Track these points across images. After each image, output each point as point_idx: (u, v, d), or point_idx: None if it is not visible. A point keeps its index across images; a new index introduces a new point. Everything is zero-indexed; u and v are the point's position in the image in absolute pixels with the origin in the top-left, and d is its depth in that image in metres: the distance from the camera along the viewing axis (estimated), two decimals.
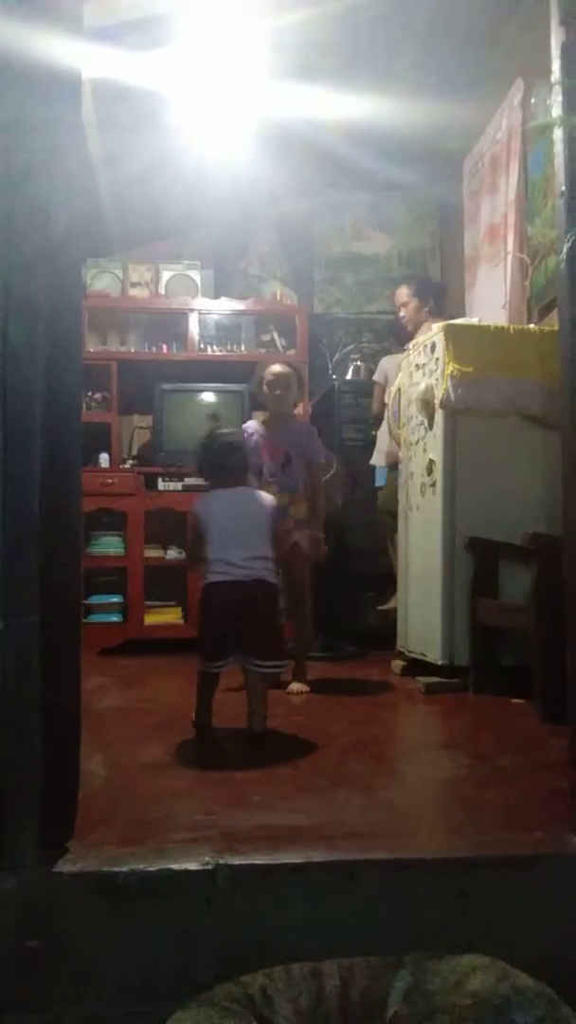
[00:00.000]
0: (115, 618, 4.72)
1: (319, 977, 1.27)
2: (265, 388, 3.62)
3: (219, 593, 2.56)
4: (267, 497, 2.79)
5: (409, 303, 4.48)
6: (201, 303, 5.14)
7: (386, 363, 4.75)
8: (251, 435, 3.61)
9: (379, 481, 4.60)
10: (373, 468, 4.67)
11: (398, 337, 4.81)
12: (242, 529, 2.62)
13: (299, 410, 5.11)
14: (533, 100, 3.79)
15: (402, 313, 4.54)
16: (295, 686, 3.42)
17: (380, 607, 4.43)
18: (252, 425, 3.70)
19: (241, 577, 2.55)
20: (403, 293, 4.54)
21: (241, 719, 2.54)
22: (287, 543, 3.32)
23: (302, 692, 3.41)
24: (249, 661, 2.55)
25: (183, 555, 4.81)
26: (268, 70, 3.78)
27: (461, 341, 3.40)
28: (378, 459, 4.62)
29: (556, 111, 1.73)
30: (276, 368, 3.63)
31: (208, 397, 5.08)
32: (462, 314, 4.48)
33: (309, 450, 3.58)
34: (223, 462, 2.73)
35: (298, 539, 3.41)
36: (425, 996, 1.20)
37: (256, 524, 2.66)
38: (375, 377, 4.80)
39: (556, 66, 1.74)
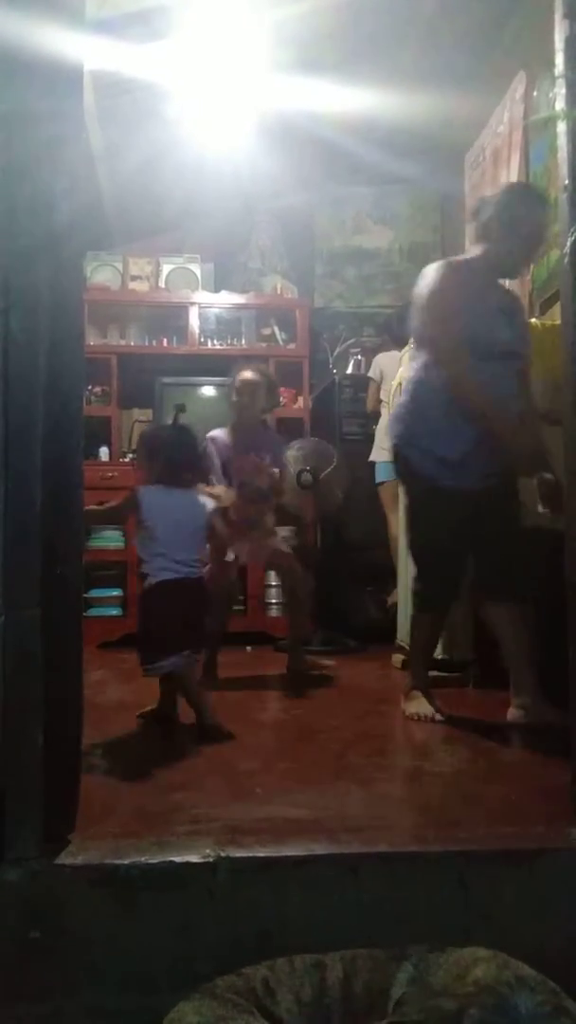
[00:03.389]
0: (115, 612, 4.73)
1: (322, 969, 1.27)
2: (233, 395, 3.60)
3: (169, 591, 2.54)
4: (208, 501, 2.73)
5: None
6: (201, 297, 5.13)
7: (381, 360, 4.75)
8: (219, 444, 3.56)
9: (379, 476, 4.59)
10: (373, 463, 4.67)
11: (393, 336, 4.78)
12: (187, 532, 2.60)
13: (299, 404, 5.17)
14: (535, 93, 3.77)
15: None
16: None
17: (388, 600, 4.42)
18: (218, 433, 3.61)
19: (186, 575, 2.55)
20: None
21: (241, 713, 2.54)
22: (266, 552, 3.44)
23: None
24: (191, 657, 2.56)
25: None
26: (270, 63, 3.77)
27: None
28: (377, 455, 4.62)
29: (560, 104, 1.73)
30: (243, 375, 3.59)
31: (208, 391, 5.07)
32: None
33: (275, 458, 3.59)
34: (181, 460, 2.61)
35: (278, 546, 3.49)
36: (428, 987, 1.21)
37: (197, 528, 2.64)
38: (370, 374, 4.79)
39: (560, 59, 1.74)
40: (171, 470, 2.58)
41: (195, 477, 2.69)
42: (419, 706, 2.70)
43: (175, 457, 2.60)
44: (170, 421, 2.78)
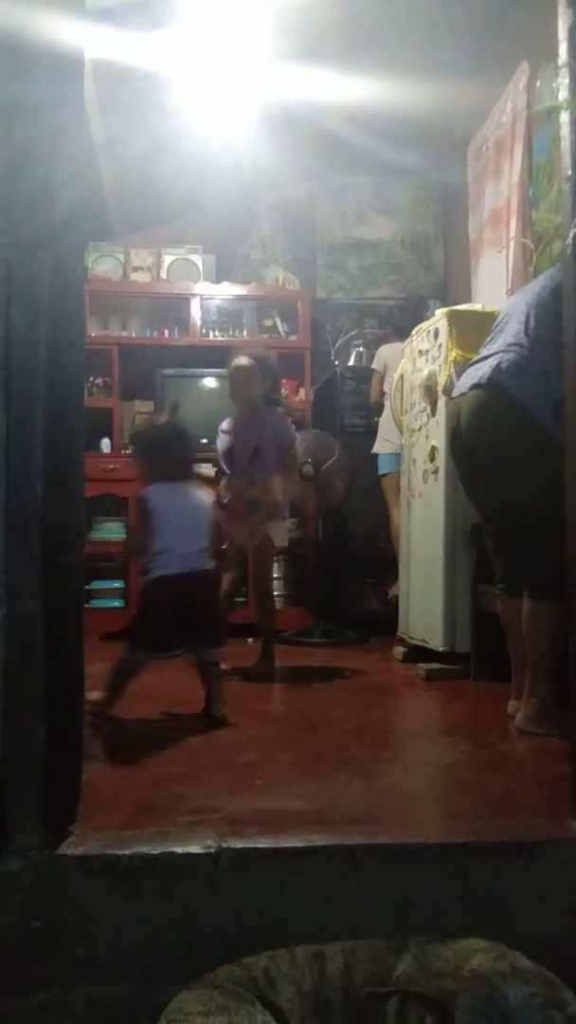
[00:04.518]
0: (117, 603, 4.74)
1: (322, 960, 1.28)
2: (229, 382, 3.64)
3: (170, 586, 2.55)
4: (206, 494, 2.80)
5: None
6: (203, 288, 5.12)
7: (384, 351, 4.74)
8: (226, 432, 3.64)
9: (381, 469, 4.59)
10: (375, 455, 4.66)
11: (397, 327, 4.77)
12: (190, 523, 2.63)
13: (301, 396, 5.15)
14: (539, 83, 3.75)
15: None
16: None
17: (390, 593, 4.42)
18: (226, 423, 3.69)
19: (188, 569, 2.57)
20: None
21: (242, 705, 2.54)
22: (257, 536, 3.44)
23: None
24: (201, 650, 2.61)
25: None
26: (271, 52, 3.75)
27: (464, 327, 3.38)
28: (380, 447, 4.61)
29: (563, 94, 1.72)
30: (235, 361, 3.61)
31: (210, 382, 5.06)
32: (466, 300, 4.45)
33: (279, 436, 3.56)
34: (182, 454, 2.68)
35: (270, 531, 3.48)
36: (427, 971, 1.21)
37: (201, 518, 2.67)
38: (373, 365, 4.79)
39: (563, 48, 1.73)
40: (173, 465, 2.64)
41: (186, 469, 2.73)
42: (543, 724, 2.37)
43: (177, 452, 2.65)
44: (164, 417, 2.82)
